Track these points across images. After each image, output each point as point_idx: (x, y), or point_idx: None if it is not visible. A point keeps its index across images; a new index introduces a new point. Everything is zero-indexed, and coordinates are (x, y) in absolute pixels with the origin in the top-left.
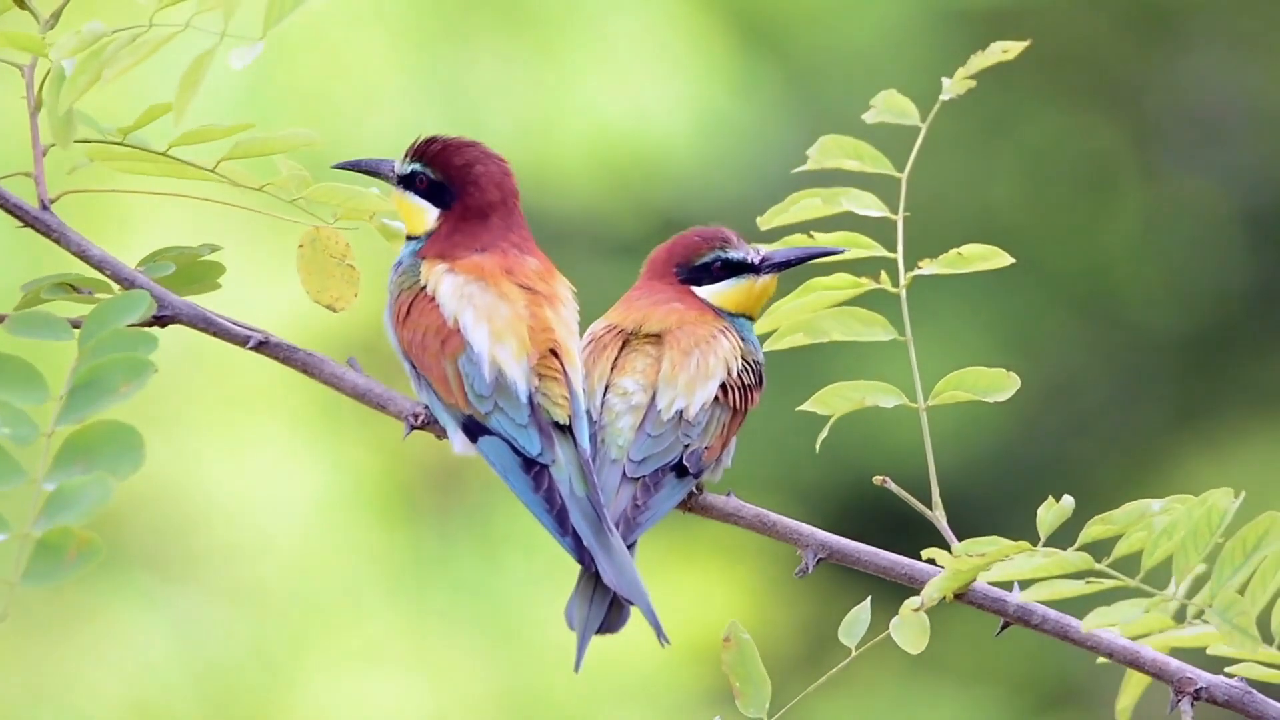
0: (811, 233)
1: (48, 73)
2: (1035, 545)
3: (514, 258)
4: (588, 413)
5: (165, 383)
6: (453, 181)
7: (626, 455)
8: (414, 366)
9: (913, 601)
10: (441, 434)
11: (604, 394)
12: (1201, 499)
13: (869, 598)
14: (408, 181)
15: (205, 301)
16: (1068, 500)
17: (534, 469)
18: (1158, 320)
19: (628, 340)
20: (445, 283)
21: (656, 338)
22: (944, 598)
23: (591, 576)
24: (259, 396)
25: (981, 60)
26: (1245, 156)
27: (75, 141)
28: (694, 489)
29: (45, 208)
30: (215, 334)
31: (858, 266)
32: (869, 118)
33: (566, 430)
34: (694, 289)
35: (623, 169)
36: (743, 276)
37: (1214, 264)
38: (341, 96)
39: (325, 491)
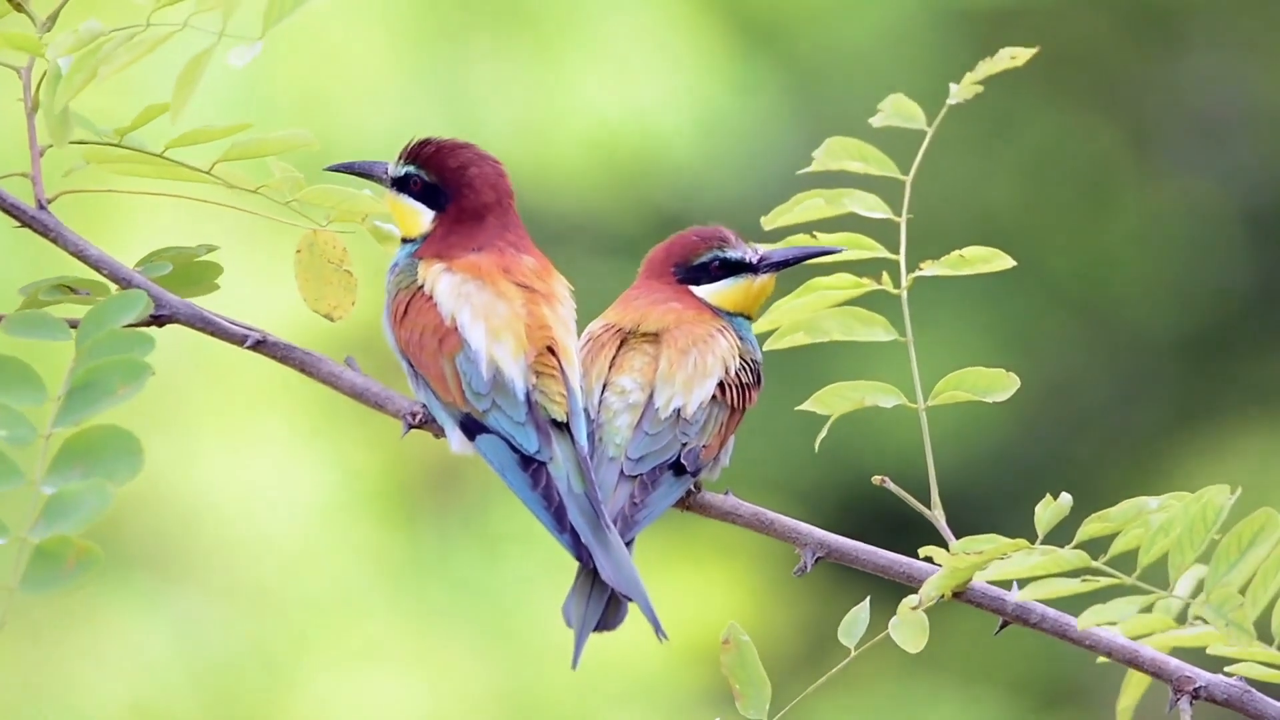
0: (814, 233)
1: (44, 73)
2: (1033, 544)
3: (511, 256)
4: (585, 411)
5: (165, 383)
6: (447, 184)
7: (624, 453)
8: (411, 365)
9: (911, 600)
10: (439, 432)
11: (602, 392)
12: (1197, 496)
13: (868, 598)
14: (402, 184)
15: (203, 302)
16: (1065, 498)
17: (532, 466)
18: (1157, 321)
19: (625, 339)
20: (442, 281)
21: (654, 337)
22: (942, 596)
23: (589, 574)
24: (258, 397)
25: (990, 66)
26: (1245, 156)
27: (71, 143)
28: (692, 487)
29: (43, 207)
30: (213, 333)
31: (859, 267)
32: (876, 121)
33: (564, 428)
34: (692, 288)
35: (622, 168)
36: (741, 276)
37: (1214, 264)
38: (339, 96)
39: (324, 491)
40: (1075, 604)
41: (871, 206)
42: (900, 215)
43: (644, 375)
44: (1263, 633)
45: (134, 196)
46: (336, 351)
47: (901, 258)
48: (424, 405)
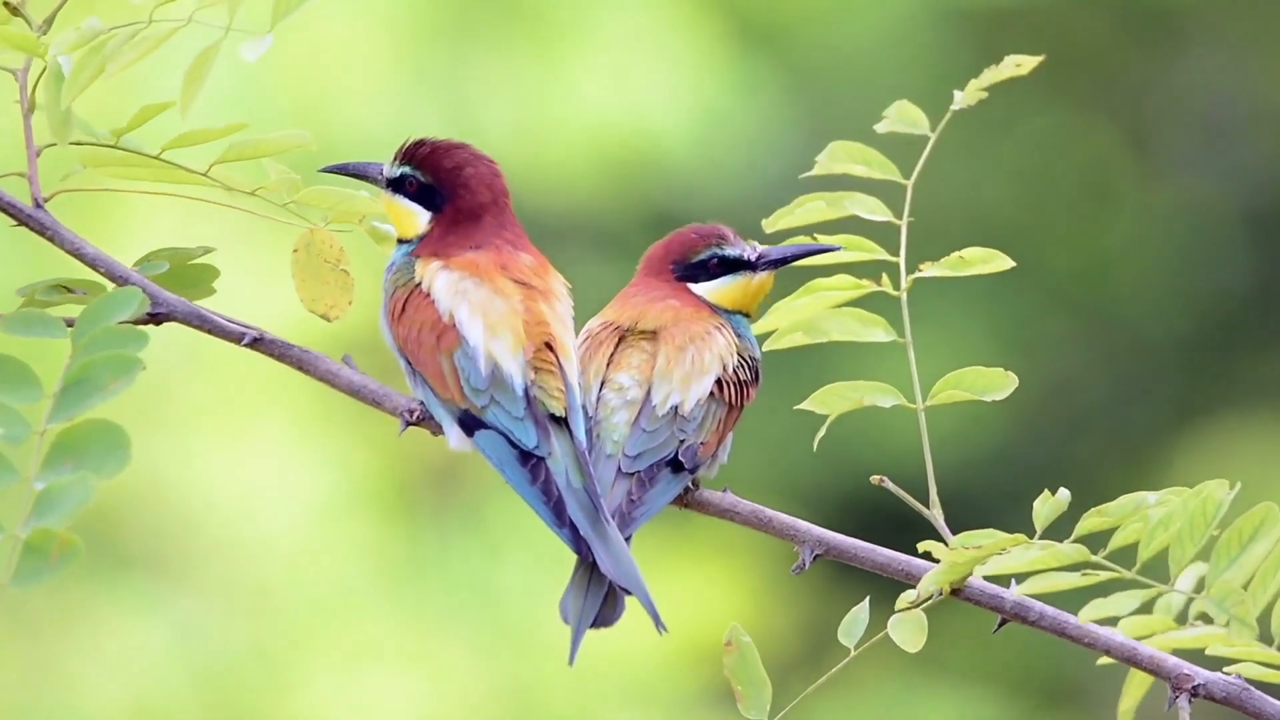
0: (815, 235)
1: (42, 72)
2: (1031, 540)
3: (508, 254)
4: (583, 407)
5: (164, 383)
6: (443, 184)
7: (622, 450)
8: (409, 363)
9: (909, 594)
10: (437, 430)
11: (600, 389)
12: (1197, 490)
13: (868, 598)
14: (397, 185)
15: (201, 302)
16: (1063, 493)
17: (530, 461)
18: (1157, 321)
19: (624, 336)
20: (440, 279)
21: (652, 334)
22: (940, 592)
23: (586, 570)
24: (257, 397)
25: (995, 74)
26: (1245, 156)
27: (70, 144)
28: (689, 485)
29: (39, 206)
30: (210, 331)
31: (859, 269)
32: (881, 128)
33: (562, 423)
34: (690, 286)
35: (621, 168)
36: (739, 273)
37: (1214, 264)
38: (338, 97)
39: (323, 491)
40: (1074, 601)
41: (872, 209)
42: (901, 218)
43: (642, 372)
44: (1263, 633)
45: (131, 196)
46: (334, 351)
47: (901, 260)
48: (421, 402)
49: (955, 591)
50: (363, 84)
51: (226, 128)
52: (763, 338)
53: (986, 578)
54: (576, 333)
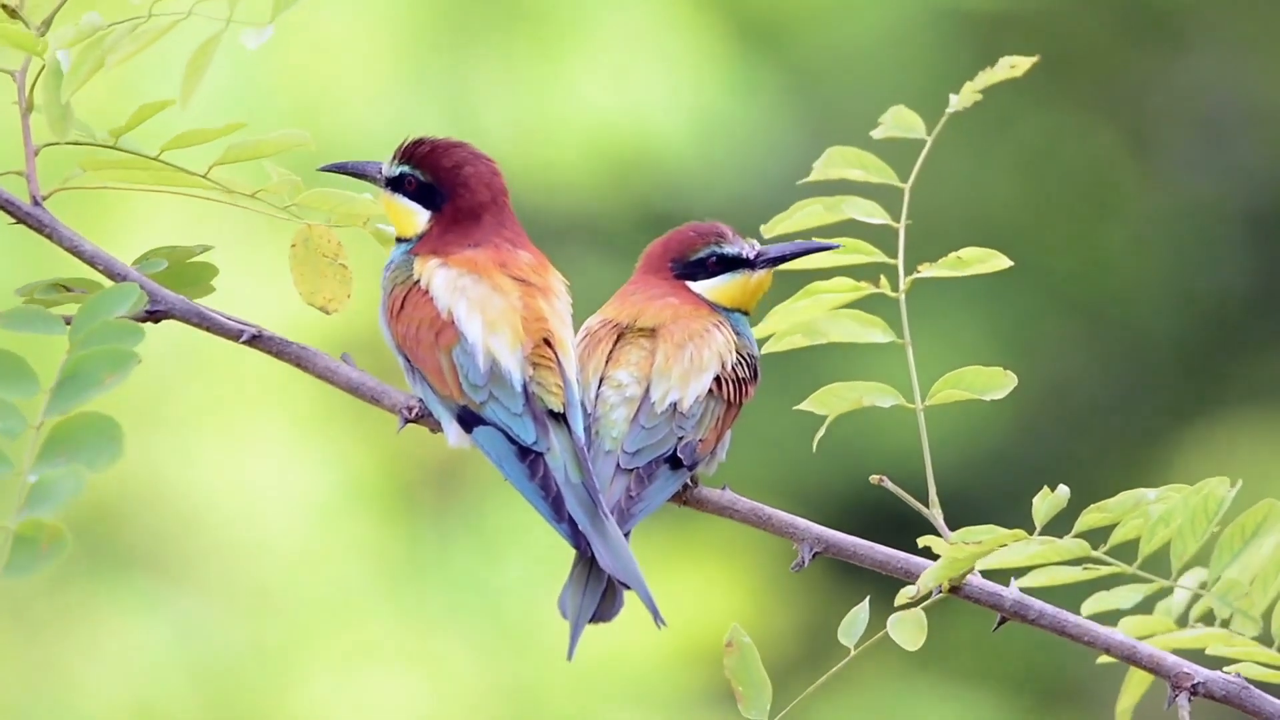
0: (813, 239)
1: (40, 71)
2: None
3: (507, 252)
4: (581, 404)
5: (164, 384)
6: (442, 183)
7: (620, 447)
8: (408, 360)
9: (908, 590)
10: (436, 427)
11: (598, 386)
12: (1198, 487)
13: (868, 598)
14: (396, 184)
15: (200, 300)
16: (1062, 490)
17: (529, 457)
18: (1157, 321)
19: (622, 334)
20: (439, 276)
21: (651, 332)
22: (940, 589)
23: (585, 565)
24: (257, 397)
25: (989, 76)
26: (1245, 157)
27: (68, 143)
28: (688, 482)
29: (37, 203)
30: (208, 328)
31: (857, 272)
32: (877, 134)
33: (561, 418)
34: (689, 284)
35: (621, 168)
36: (738, 271)
37: (1214, 264)
38: (339, 97)
39: (323, 491)
40: (1074, 600)
41: (870, 212)
42: (899, 221)
43: (640, 369)
44: (1263, 634)
45: (130, 195)
46: (333, 349)
47: (900, 262)
48: (420, 399)
49: (955, 589)
50: (363, 84)
51: (225, 127)
52: (761, 341)
53: (986, 575)
54: (575, 330)
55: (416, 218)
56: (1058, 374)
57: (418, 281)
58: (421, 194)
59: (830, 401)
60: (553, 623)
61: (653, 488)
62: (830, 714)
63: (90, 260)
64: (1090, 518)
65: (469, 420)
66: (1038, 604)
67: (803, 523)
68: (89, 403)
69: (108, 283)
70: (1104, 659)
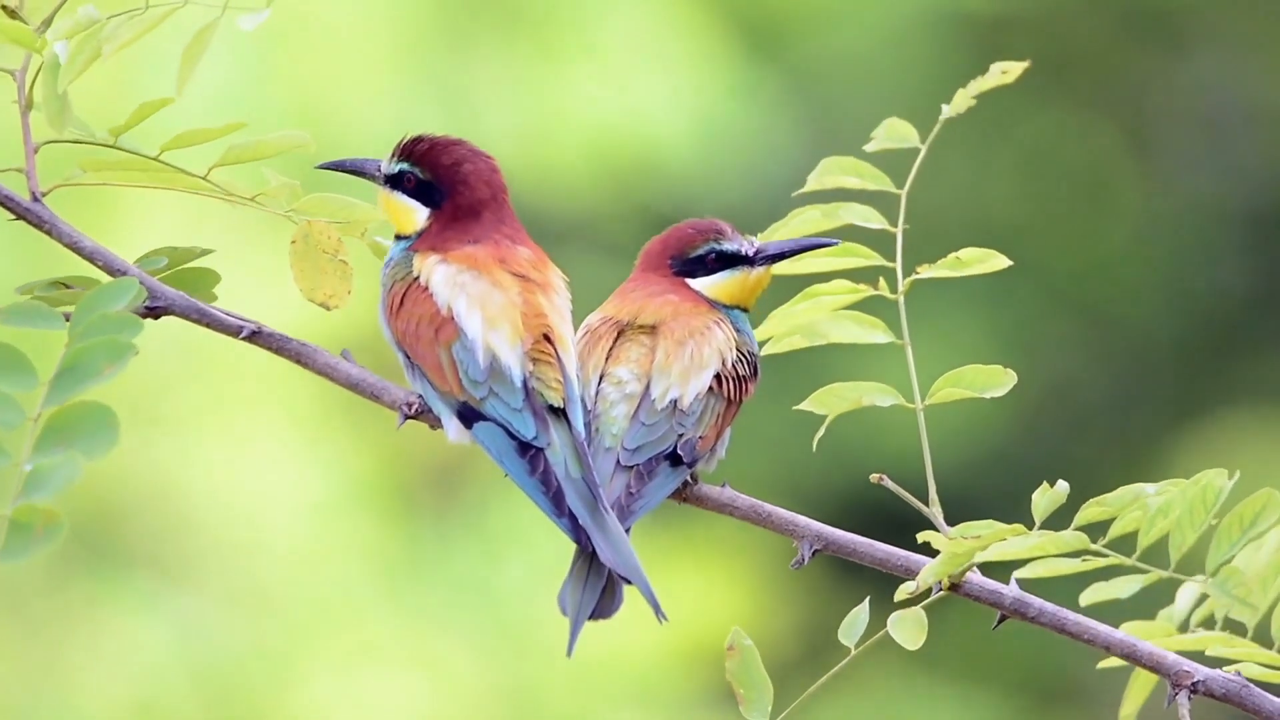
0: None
1: (39, 68)
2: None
3: (506, 248)
4: (582, 400)
5: (164, 384)
6: (442, 181)
7: (620, 444)
8: (408, 356)
9: (908, 586)
10: (435, 423)
11: (599, 383)
12: (1195, 479)
13: (868, 598)
14: (395, 181)
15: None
16: (1062, 485)
17: (529, 452)
18: (1157, 321)
19: (623, 331)
20: (438, 272)
21: (651, 329)
22: (940, 585)
23: (585, 561)
24: (257, 397)
25: (981, 83)
26: (1245, 157)
27: (67, 142)
28: (688, 479)
29: (37, 200)
30: (208, 325)
31: (856, 275)
32: (870, 148)
33: (561, 414)
34: (688, 281)
35: (622, 171)
36: (737, 268)
37: (1214, 264)
38: (340, 99)
39: (323, 491)
40: (1074, 598)
41: (868, 218)
42: (896, 226)
43: (640, 366)
44: (1263, 637)
45: (130, 193)
46: (333, 347)
47: (898, 266)
48: (420, 396)
49: (954, 587)
50: (364, 86)
51: (225, 127)
52: (760, 344)
53: (985, 570)
54: (575, 327)
55: (416, 215)
56: (1058, 374)
57: (417, 278)
58: (421, 191)
59: (830, 401)
60: (553, 622)
61: (653, 485)
62: (831, 714)
63: (90, 256)
64: (1090, 512)
65: (469, 416)
66: (1038, 602)
67: (802, 520)
68: (87, 393)
69: (107, 280)
70: (1104, 663)
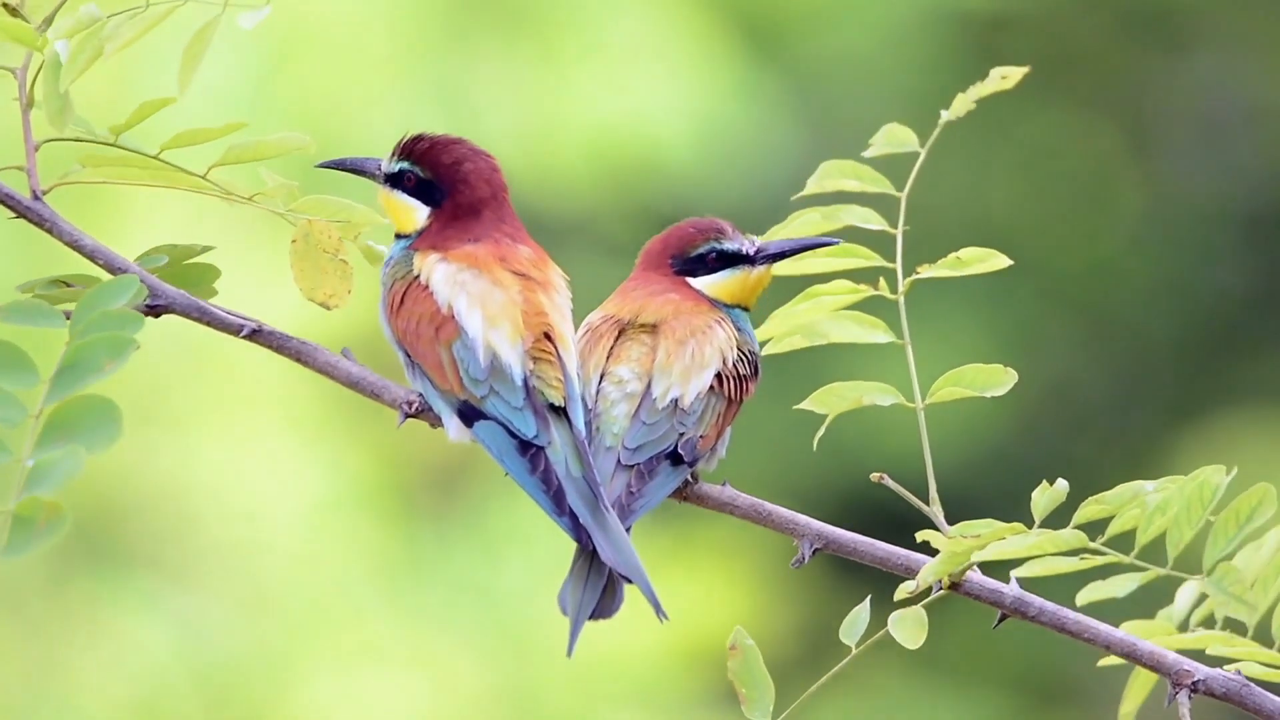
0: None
1: (40, 67)
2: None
3: (507, 246)
4: (582, 399)
5: (165, 384)
6: (442, 179)
7: (621, 443)
8: (408, 355)
9: (908, 585)
10: (436, 422)
11: (599, 382)
12: (1193, 476)
13: (868, 598)
14: (395, 180)
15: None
16: (1061, 483)
17: (530, 451)
18: (1157, 321)
19: (623, 330)
20: (438, 271)
21: (652, 328)
22: (940, 584)
23: (585, 561)
24: (257, 396)
25: (980, 89)
26: (1245, 157)
27: (68, 140)
28: (689, 478)
29: (38, 198)
30: (208, 323)
31: (857, 276)
32: (869, 153)
33: (561, 412)
34: (689, 280)
35: (622, 171)
36: (738, 267)
37: (1214, 264)
38: (342, 100)
39: (324, 491)
40: (1074, 594)
41: (867, 219)
42: (896, 228)
43: (641, 365)
44: (1263, 637)
45: (131, 192)
46: (333, 346)
47: (898, 267)
48: (420, 394)
49: (955, 586)
50: (365, 87)
51: (225, 127)
52: (761, 344)
53: (985, 569)
54: (576, 326)
55: (416, 214)
56: (1058, 374)
57: (417, 277)
58: (421, 190)
59: (830, 401)
60: (552, 622)
61: (653, 484)
62: (831, 714)
63: (90, 255)
64: (1088, 510)
65: (469, 415)
66: (1038, 601)
67: (803, 519)
68: (88, 388)
69: (108, 278)
70: (1105, 661)
